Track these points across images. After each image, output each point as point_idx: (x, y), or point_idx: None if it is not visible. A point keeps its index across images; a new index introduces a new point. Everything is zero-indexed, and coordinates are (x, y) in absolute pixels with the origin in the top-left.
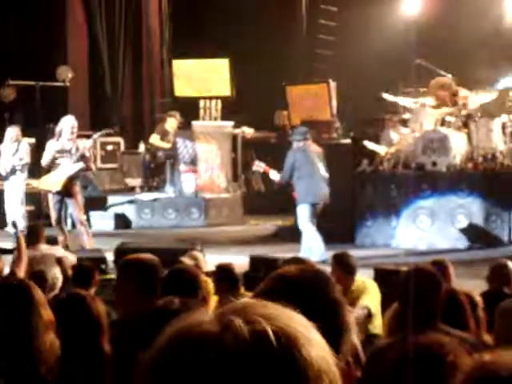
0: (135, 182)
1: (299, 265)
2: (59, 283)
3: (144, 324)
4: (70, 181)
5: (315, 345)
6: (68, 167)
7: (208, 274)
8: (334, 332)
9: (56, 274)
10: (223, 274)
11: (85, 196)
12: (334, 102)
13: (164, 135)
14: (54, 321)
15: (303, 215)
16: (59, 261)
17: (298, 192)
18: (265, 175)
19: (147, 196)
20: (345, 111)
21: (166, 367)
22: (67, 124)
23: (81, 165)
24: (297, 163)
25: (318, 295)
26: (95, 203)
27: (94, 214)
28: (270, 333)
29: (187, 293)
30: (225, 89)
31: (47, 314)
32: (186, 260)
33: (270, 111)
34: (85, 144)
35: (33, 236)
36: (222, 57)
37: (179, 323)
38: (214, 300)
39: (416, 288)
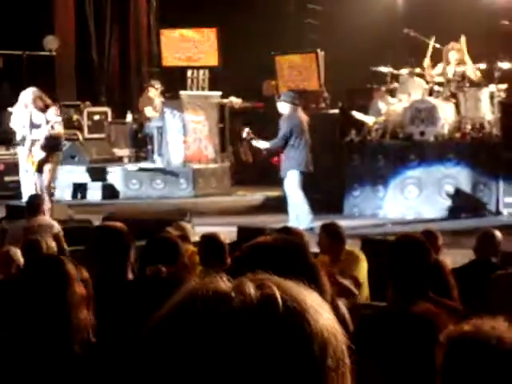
0: (123, 152)
1: (285, 235)
2: (53, 252)
3: (135, 291)
4: (44, 157)
5: (323, 315)
6: (38, 148)
7: (196, 244)
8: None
9: (51, 244)
10: (208, 244)
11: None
12: (322, 72)
13: (150, 104)
14: (86, 296)
15: (294, 182)
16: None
17: (289, 159)
18: (253, 145)
19: (135, 166)
20: (333, 81)
21: (174, 321)
22: (28, 97)
23: (45, 134)
24: (293, 130)
25: (291, 260)
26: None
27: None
28: (279, 297)
29: (166, 261)
30: (212, 58)
31: (81, 289)
32: (172, 230)
33: (258, 81)
34: (52, 114)
35: (32, 207)
36: (210, 26)
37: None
38: (198, 270)
39: (405, 256)
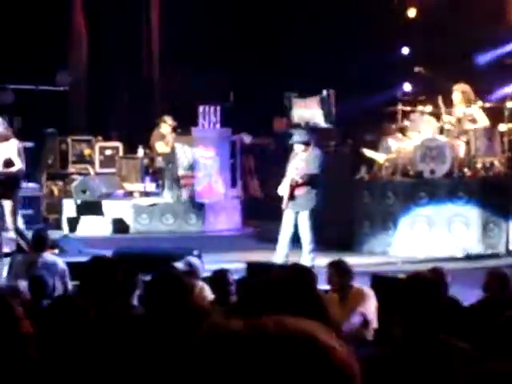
0: (133, 186)
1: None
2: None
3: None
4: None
5: (343, 354)
6: None
7: (205, 279)
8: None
9: (56, 284)
10: (218, 279)
11: (82, 201)
12: (333, 110)
13: (162, 139)
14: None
15: (309, 221)
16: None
17: (310, 196)
18: (263, 182)
19: (145, 201)
20: (343, 118)
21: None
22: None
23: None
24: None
25: (298, 296)
26: (91, 208)
27: (91, 219)
28: (294, 328)
29: (170, 298)
30: (224, 95)
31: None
32: (180, 266)
33: (269, 117)
34: (12, 147)
35: (36, 242)
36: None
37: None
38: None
39: (416, 297)
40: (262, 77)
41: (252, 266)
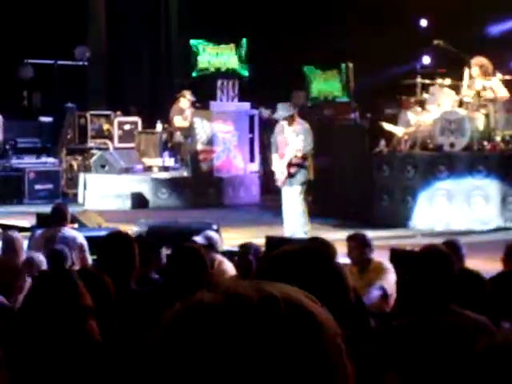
0: (152, 161)
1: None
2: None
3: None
4: None
5: (325, 313)
6: None
7: (224, 253)
8: (341, 303)
9: (75, 258)
10: (242, 253)
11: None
12: (352, 84)
13: (180, 114)
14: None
15: (302, 195)
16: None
17: (304, 171)
18: None
19: (164, 175)
20: (361, 91)
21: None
22: None
23: None
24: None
25: (316, 268)
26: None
27: (111, 194)
28: (279, 297)
29: (190, 270)
30: (242, 69)
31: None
32: (199, 239)
33: (287, 91)
34: None
35: (56, 216)
36: (240, 37)
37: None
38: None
39: (428, 268)
40: (281, 50)
41: (271, 240)
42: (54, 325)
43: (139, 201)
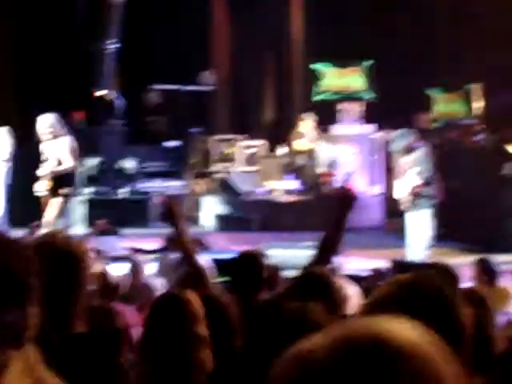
0: (275, 184)
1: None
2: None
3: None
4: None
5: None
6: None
7: (350, 277)
8: (454, 335)
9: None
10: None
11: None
12: (477, 105)
13: (301, 137)
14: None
15: (431, 219)
16: None
17: (429, 195)
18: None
19: (287, 198)
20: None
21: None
22: (44, 124)
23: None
24: None
25: (428, 305)
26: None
27: (234, 216)
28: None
29: (316, 296)
30: (366, 92)
31: (203, 329)
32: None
33: (407, 114)
34: (63, 145)
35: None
36: (365, 59)
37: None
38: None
39: None
40: (407, 74)
41: (398, 264)
42: (167, 354)
43: (262, 223)
